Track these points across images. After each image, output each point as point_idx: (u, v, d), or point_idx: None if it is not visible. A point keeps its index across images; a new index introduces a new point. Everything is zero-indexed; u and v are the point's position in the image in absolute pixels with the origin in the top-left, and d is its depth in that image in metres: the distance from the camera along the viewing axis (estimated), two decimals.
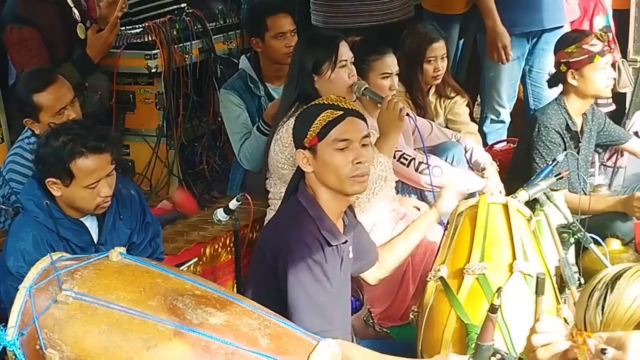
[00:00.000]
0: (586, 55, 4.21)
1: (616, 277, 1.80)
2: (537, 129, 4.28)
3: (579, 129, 4.36)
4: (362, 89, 3.83)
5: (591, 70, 4.22)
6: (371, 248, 3.26)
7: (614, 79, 4.46)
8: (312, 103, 3.01)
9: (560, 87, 4.40)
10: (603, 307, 1.78)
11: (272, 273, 2.83)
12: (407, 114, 3.84)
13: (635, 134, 5.17)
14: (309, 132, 2.87)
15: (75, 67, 4.53)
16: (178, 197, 4.32)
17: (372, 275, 3.31)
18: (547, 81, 4.59)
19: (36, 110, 3.72)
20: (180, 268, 3.59)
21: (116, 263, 2.62)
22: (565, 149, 4.18)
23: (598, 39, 4.25)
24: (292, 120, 3.72)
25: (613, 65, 5.37)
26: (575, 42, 4.25)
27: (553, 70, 4.47)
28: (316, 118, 2.87)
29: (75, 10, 4.64)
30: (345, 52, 3.78)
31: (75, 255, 2.83)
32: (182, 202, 4.31)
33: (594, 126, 4.52)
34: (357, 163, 2.88)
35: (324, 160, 2.88)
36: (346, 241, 2.97)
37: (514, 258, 2.98)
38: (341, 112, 2.88)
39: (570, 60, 4.23)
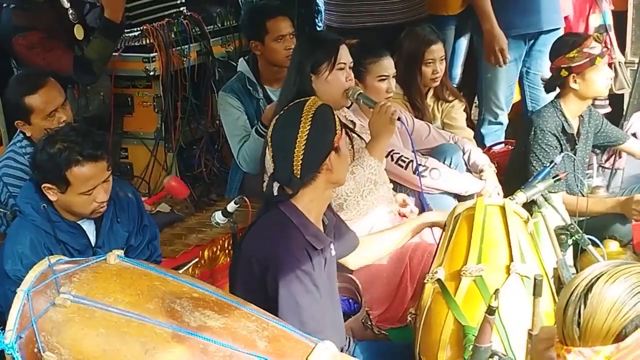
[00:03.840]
0: (588, 59, 4.22)
1: (588, 289, 1.78)
2: (533, 132, 4.29)
3: (575, 132, 4.37)
4: (357, 94, 3.83)
5: (593, 72, 4.23)
6: (349, 235, 3.29)
7: (612, 78, 4.48)
8: (314, 104, 2.94)
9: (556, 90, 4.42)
10: (579, 324, 1.77)
11: (260, 283, 2.82)
12: (399, 119, 3.84)
13: (634, 135, 5.18)
14: (337, 130, 2.91)
15: (104, 35, 4.55)
16: (169, 182, 4.37)
17: (352, 261, 3.36)
18: (544, 86, 4.60)
19: (27, 112, 3.72)
20: (181, 271, 3.61)
21: (114, 266, 2.62)
22: (561, 152, 4.19)
23: (596, 40, 4.26)
24: None
25: (610, 65, 5.42)
26: (575, 46, 4.25)
27: (548, 75, 4.47)
28: (333, 116, 2.92)
29: (71, 12, 4.64)
30: (345, 55, 3.79)
31: (73, 259, 2.84)
32: (173, 187, 4.35)
33: (591, 128, 4.52)
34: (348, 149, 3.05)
35: (344, 154, 2.97)
36: (330, 242, 2.99)
37: (511, 260, 2.98)
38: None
39: (572, 65, 4.24)
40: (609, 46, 4.45)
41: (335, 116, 2.94)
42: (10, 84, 3.96)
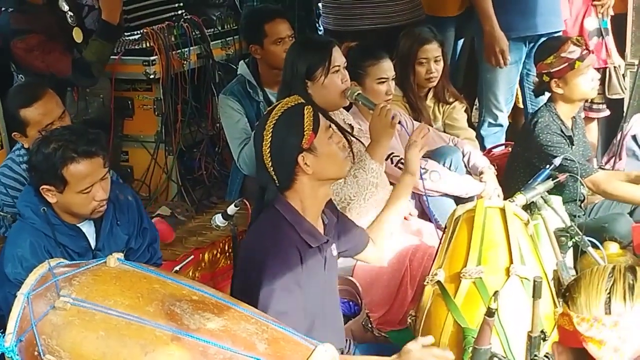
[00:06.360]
0: (566, 64, 4.23)
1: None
2: (537, 138, 4.26)
3: (571, 133, 4.37)
4: (355, 94, 3.83)
5: (574, 76, 4.24)
6: (358, 230, 3.27)
7: (599, 79, 4.47)
8: (281, 109, 2.92)
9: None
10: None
11: (255, 283, 2.80)
12: (399, 122, 3.84)
13: (634, 137, 5.18)
14: (305, 133, 2.85)
15: (102, 37, 4.54)
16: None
17: (372, 256, 3.33)
18: (533, 91, 4.61)
19: (23, 125, 3.71)
20: (178, 267, 3.62)
21: (114, 269, 2.62)
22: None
23: (575, 44, 4.26)
24: None
25: (604, 69, 5.43)
26: (553, 52, 4.27)
27: (536, 80, 4.49)
28: (303, 117, 2.87)
29: (70, 14, 4.64)
30: (338, 57, 3.78)
31: (73, 262, 2.84)
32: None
33: (582, 129, 4.54)
34: (342, 144, 3.00)
35: (325, 153, 2.90)
36: (327, 241, 2.97)
37: (511, 262, 2.99)
38: (307, 105, 2.93)
39: (552, 71, 4.25)
40: (590, 48, 4.42)
41: (309, 116, 2.88)
42: (8, 95, 3.95)
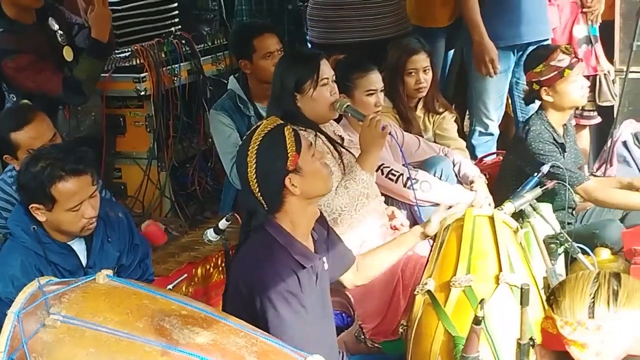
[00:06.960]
0: (555, 72, 4.24)
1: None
2: (529, 146, 4.27)
3: (563, 141, 4.39)
4: (344, 106, 3.84)
5: (563, 84, 4.25)
6: (346, 253, 3.27)
7: (589, 86, 4.49)
8: (261, 133, 2.91)
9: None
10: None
11: (248, 306, 2.83)
12: (389, 133, 3.85)
13: (624, 143, 5.20)
14: (288, 155, 2.86)
15: (92, 55, 4.54)
16: (148, 228, 4.35)
17: (348, 279, 3.34)
18: (523, 99, 4.63)
19: (14, 148, 3.73)
20: (171, 286, 3.63)
21: (103, 285, 2.63)
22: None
23: (564, 52, 4.28)
24: None
25: (594, 77, 5.45)
26: (542, 60, 4.29)
27: (526, 89, 4.52)
28: (284, 139, 2.87)
29: (60, 33, 4.66)
30: (326, 70, 3.80)
31: (63, 279, 2.84)
32: (151, 233, 4.32)
33: (573, 136, 4.56)
34: (324, 159, 3.04)
35: (310, 171, 2.92)
36: (319, 258, 2.99)
37: (500, 270, 3.00)
38: (286, 124, 2.94)
39: (541, 79, 4.27)
40: (579, 56, 4.44)
41: (290, 137, 2.89)
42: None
